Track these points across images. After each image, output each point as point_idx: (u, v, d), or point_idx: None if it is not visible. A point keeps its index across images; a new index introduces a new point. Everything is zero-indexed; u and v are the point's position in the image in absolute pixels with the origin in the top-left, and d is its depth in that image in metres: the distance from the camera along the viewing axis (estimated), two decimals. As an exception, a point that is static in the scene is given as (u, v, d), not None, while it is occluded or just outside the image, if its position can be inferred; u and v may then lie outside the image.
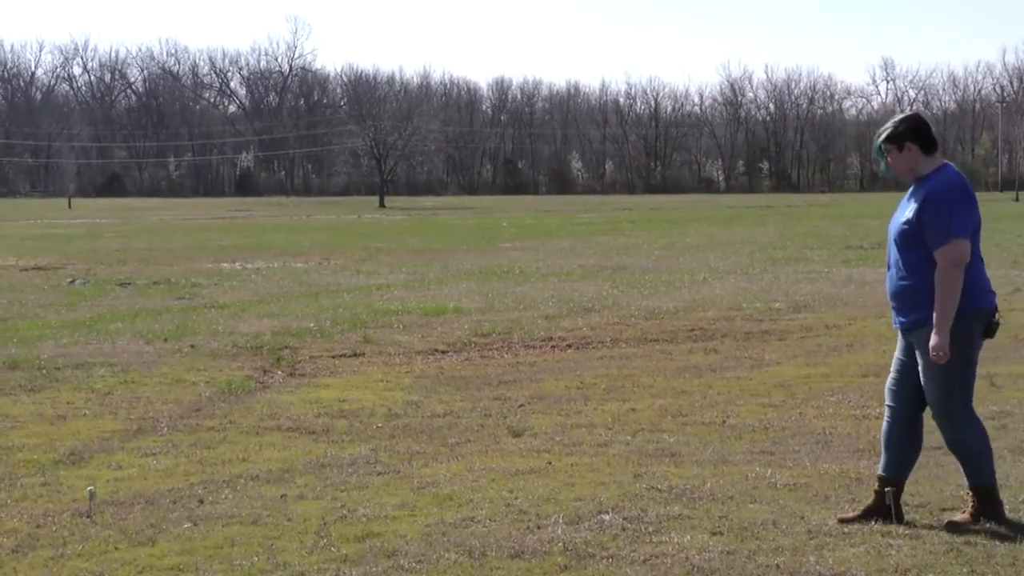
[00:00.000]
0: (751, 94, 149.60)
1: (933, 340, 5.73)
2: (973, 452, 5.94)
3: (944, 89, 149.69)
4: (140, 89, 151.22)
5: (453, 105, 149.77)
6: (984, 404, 8.94)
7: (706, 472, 7.11)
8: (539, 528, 6.00)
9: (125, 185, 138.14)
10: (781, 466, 7.23)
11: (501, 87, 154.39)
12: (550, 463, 7.45)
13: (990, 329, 5.91)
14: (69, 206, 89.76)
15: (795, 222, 48.91)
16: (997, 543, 5.62)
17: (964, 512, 5.95)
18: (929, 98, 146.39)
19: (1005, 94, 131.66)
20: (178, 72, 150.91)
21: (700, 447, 7.86)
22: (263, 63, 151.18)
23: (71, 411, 9.47)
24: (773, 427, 8.49)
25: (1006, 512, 5.98)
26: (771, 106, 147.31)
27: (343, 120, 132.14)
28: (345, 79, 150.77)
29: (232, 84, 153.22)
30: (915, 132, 5.95)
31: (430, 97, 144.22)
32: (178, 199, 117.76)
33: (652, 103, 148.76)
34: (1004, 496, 6.31)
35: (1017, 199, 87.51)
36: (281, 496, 6.75)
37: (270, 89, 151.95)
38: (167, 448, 8.07)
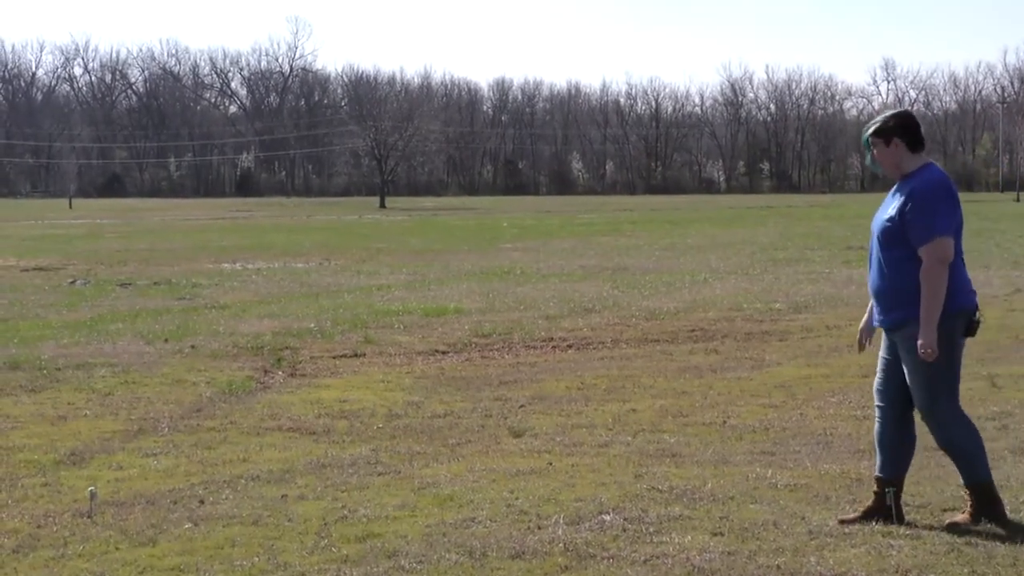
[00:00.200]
0: (752, 94, 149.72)
1: (921, 338, 5.73)
2: (963, 450, 5.94)
3: (945, 89, 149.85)
4: (141, 89, 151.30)
5: (454, 106, 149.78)
6: (985, 405, 8.97)
7: (707, 473, 7.11)
8: (540, 528, 6.00)
9: (126, 185, 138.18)
10: (782, 467, 7.23)
11: (502, 87, 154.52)
12: (551, 464, 7.45)
13: (971, 328, 5.91)
14: (70, 206, 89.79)
15: (796, 223, 48.91)
16: (998, 543, 5.62)
17: (964, 512, 5.96)
18: (930, 98, 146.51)
19: (1006, 95, 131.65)
20: (179, 72, 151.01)
21: (701, 448, 7.86)
22: (264, 63, 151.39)
23: (72, 411, 9.47)
24: (774, 428, 8.49)
25: (1006, 511, 5.98)
26: (772, 106, 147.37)
27: (344, 121, 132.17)
28: (346, 79, 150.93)
29: (233, 84, 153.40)
30: (904, 128, 5.96)
31: (431, 97, 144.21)
32: (179, 199, 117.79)
33: (653, 103, 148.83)
34: (1005, 497, 6.30)
35: (1018, 199, 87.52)
36: (282, 496, 6.75)
37: (271, 89, 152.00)
38: (168, 448, 8.07)
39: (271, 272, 24.91)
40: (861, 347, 6.34)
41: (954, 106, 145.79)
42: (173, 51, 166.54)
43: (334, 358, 12.36)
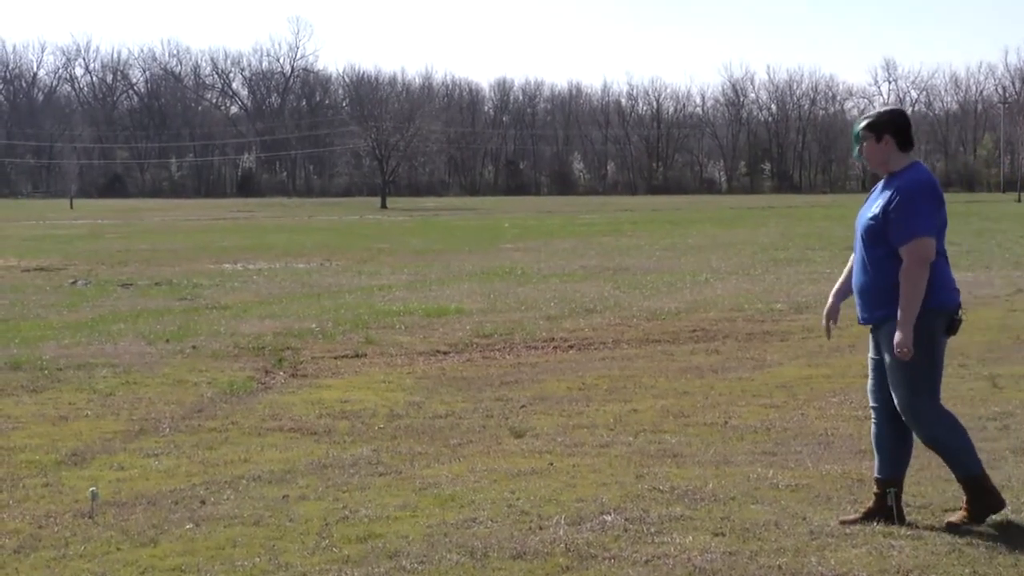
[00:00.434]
0: (753, 95, 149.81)
1: (897, 336, 5.74)
2: (948, 446, 5.93)
3: (946, 90, 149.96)
4: (142, 90, 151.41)
5: (455, 106, 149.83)
6: (986, 405, 8.97)
7: (708, 473, 7.11)
8: (541, 529, 6.00)
9: (127, 186, 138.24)
10: (783, 467, 7.23)
11: (503, 88, 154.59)
12: (552, 464, 7.45)
13: (953, 326, 5.90)
14: (71, 207, 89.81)
15: (797, 223, 48.92)
16: (1000, 544, 5.61)
17: (961, 509, 5.95)
18: (931, 99, 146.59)
19: (1007, 95, 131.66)
20: (180, 73, 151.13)
21: (702, 448, 7.86)
22: (265, 64, 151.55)
23: (73, 412, 9.47)
24: (775, 428, 8.49)
25: (1005, 502, 5.96)
26: (773, 107, 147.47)
27: (345, 121, 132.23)
28: (347, 80, 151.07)
29: (234, 85, 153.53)
30: (895, 126, 5.96)
31: (432, 98, 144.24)
32: (180, 200, 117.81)
33: (654, 104, 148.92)
34: (1007, 497, 6.29)
35: (1019, 200, 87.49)
36: (283, 497, 6.75)
37: (272, 90, 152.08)
38: (169, 449, 8.07)
39: (272, 272, 24.91)
40: (829, 333, 6.32)
41: (955, 106, 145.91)
42: (174, 51, 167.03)
43: (335, 358, 12.36)
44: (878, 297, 5.89)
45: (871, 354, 6.10)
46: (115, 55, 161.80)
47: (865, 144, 5.97)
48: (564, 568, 5.42)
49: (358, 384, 10.78)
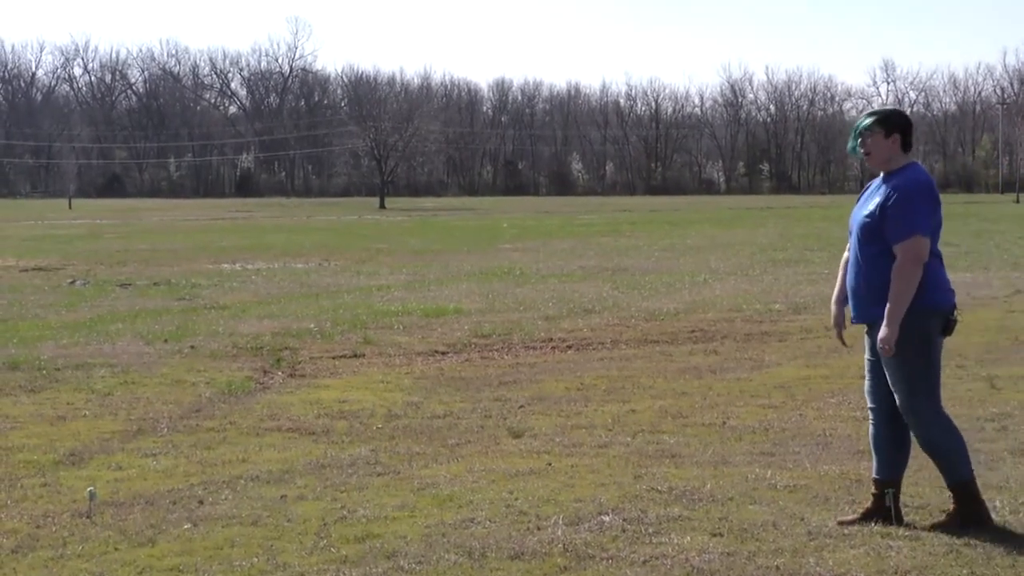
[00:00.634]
0: (752, 95, 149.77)
1: (882, 332, 5.75)
2: (943, 450, 5.92)
3: (945, 91, 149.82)
4: (141, 90, 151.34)
5: (454, 106, 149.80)
6: (984, 406, 8.98)
7: (706, 473, 7.11)
8: (539, 529, 6.00)
9: (125, 186, 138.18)
10: (781, 467, 7.23)
11: (501, 88, 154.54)
12: (550, 464, 7.45)
13: (948, 327, 5.90)
14: (69, 207, 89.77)
15: (795, 223, 48.94)
16: (997, 545, 5.62)
17: (945, 515, 5.95)
18: (930, 99, 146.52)
19: (1006, 96, 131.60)
20: (179, 73, 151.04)
21: (700, 448, 7.86)
22: (264, 64, 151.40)
23: (71, 412, 9.47)
24: (773, 428, 8.49)
25: (992, 513, 5.97)
26: (772, 107, 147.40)
27: (343, 121, 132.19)
28: (345, 80, 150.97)
29: (233, 85, 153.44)
30: (903, 125, 6.01)
31: (431, 98, 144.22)
32: (178, 200, 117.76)
33: (652, 104, 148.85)
34: (1004, 498, 6.32)
35: (1018, 201, 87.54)
36: (281, 497, 6.75)
37: (271, 90, 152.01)
38: (167, 449, 8.07)
39: (271, 272, 24.91)
40: (843, 339, 6.31)
41: (954, 107, 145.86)
42: (173, 51, 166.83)
43: (333, 358, 12.36)
44: (872, 296, 5.89)
45: (868, 355, 6.10)
46: (114, 55, 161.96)
47: (872, 139, 5.95)
48: (562, 568, 5.42)
49: (356, 384, 10.78)
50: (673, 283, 20.88)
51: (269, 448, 8.07)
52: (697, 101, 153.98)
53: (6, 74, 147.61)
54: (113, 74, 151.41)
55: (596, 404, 9.59)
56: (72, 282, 22.45)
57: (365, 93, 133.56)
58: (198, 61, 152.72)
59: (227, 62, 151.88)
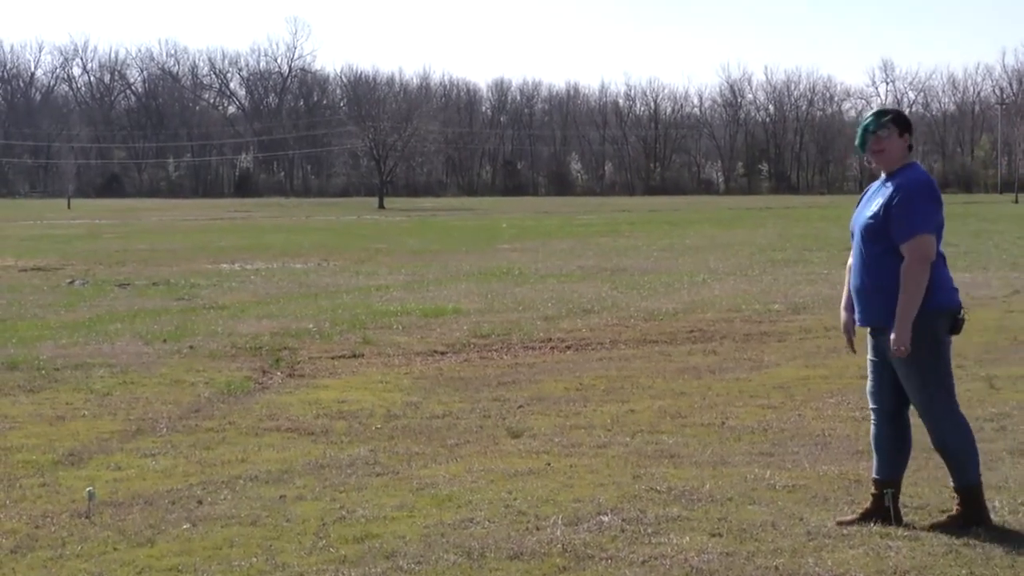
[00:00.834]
0: (750, 95, 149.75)
1: (895, 335, 5.73)
2: (956, 451, 5.93)
3: (943, 91, 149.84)
4: (139, 90, 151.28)
5: (452, 106, 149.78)
6: (983, 406, 8.98)
7: (705, 473, 7.11)
8: (538, 529, 6.00)
9: (124, 186, 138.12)
10: (780, 468, 7.24)
11: (500, 88, 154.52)
12: (549, 464, 7.45)
13: (956, 326, 5.90)
14: (68, 207, 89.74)
15: (794, 223, 48.95)
16: (996, 545, 5.62)
17: (949, 514, 5.95)
18: (928, 100, 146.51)
19: (1004, 96, 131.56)
20: (177, 73, 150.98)
21: (699, 448, 7.86)
22: (263, 64, 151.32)
23: (70, 412, 9.47)
24: (772, 429, 8.50)
25: (991, 513, 5.97)
26: (770, 108, 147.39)
27: (342, 121, 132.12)
28: (344, 80, 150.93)
29: (231, 85, 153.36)
30: (911, 127, 6.02)
31: (429, 98, 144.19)
32: (177, 200, 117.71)
33: (651, 104, 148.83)
34: (1003, 498, 6.33)
35: (1016, 201, 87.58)
36: (280, 497, 6.75)
37: (269, 90, 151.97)
38: (166, 449, 8.07)
39: (270, 273, 24.91)
40: (853, 346, 6.29)
41: (952, 107, 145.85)
42: (172, 51, 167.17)
43: (332, 359, 12.36)
44: (878, 297, 5.88)
45: (870, 356, 6.10)
46: (113, 55, 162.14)
47: (886, 138, 5.94)
48: (561, 568, 5.42)
49: (355, 384, 10.78)
50: (672, 283, 20.88)
51: (268, 448, 8.07)
52: (696, 101, 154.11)
53: (5, 74, 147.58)
54: (112, 74, 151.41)
55: (595, 404, 9.59)
56: (71, 282, 22.44)
57: (364, 93, 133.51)
58: (197, 61, 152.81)
59: (226, 62, 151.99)
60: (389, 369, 11.71)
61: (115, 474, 7.38)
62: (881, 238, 5.86)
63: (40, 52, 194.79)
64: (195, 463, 7.64)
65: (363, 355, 12.60)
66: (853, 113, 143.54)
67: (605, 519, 6.14)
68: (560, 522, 6.10)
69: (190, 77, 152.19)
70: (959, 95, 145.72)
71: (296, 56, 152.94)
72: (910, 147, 6.00)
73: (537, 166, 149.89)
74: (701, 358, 12.15)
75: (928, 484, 6.66)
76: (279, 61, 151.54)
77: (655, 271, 23.97)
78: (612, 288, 20.03)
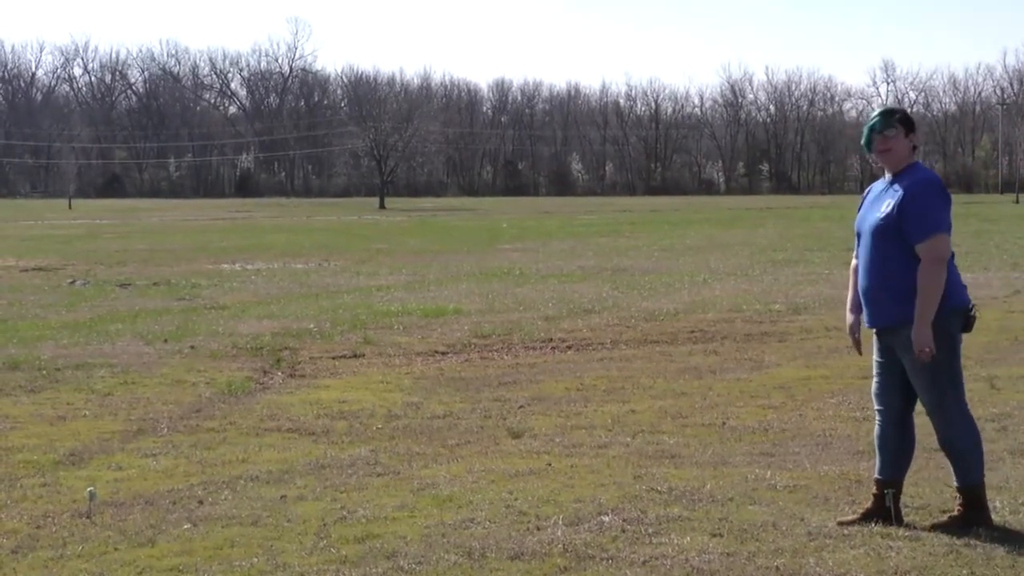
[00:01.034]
0: (751, 96, 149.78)
1: (916, 338, 5.71)
2: (962, 450, 5.92)
3: (944, 91, 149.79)
4: (140, 90, 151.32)
5: (453, 106, 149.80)
6: (984, 406, 8.97)
7: (706, 474, 7.11)
8: (539, 529, 6.00)
9: (125, 186, 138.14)
10: (781, 468, 7.23)
11: (501, 88, 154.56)
12: (550, 464, 7.45)
13: (968, 323, 5.90)
14: (69, 207, 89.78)
15: (795, 224, 48.94)
16: (997, 545, 5.62)
17: (951, 513, 5.95)
18: (929, 100, 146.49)
19: (1005, 96, 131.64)
20: (178, 73, 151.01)
21: (700, 449, 7.86)
22: (263, 64, 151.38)
23: (71, 412, 9.47)
24: (773, 429, 8.50)
25: (992, 513, 5.97)
26: (771, 108, 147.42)
27: (343, 121, 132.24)
28: (345, 80, 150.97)
29: (232, 85, 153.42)
30: (915, 127, 6.02)
31: (430, 98, 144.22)
32: (178, 200, 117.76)
33: (652, 105, 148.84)
34: (1004, 498, 6.33)
35: (1017, 201, 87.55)
36: (281, 497, 6.75)
37: (270, 90, 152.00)
38: (167, 449, 8.07)
39: (270, 273, 24.91)
40: (859, 347, 6.26)
41: (953, 107, 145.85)
42: (173, 51, 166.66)
43: (333, 359, 12.36)
44: (888, 297, 5.86)
45: (877, 357, 6.07)
46: (113, 55, 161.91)
47: (893, 137, 5.93)
48: (562, 569, 5.42)
49: (356, 384, 10.78)
50: (673, 283, 20.88)
51: (269, 448, 8.07)
52: (697, 101, 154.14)
53: (6, 74, 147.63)
54: (113, 74, 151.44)
55: (596, 404, 9.59)
56: (72, 282, 22.45)
57: (365, 93, 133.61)
58: (198, 61, 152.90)
59: (227, 62, 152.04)
60: (390, 369, 11.71)
61: (116, 474, 7.38)
62: (892, 238, 5.83)
63: (41, 52, 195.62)
64: (196, 463, 7.64)
65: (364, 355, 12.60)
66: (854, 113, 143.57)
67: (606, 519, 6.14)
68: (561, 522, 6.10)
69: (191, 77, 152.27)
70: (960, 95, 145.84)
71: (297, 56, 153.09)
72: (915, 147, 6.00)
73: (538, 166, 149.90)
74: (702, 358, 12.15)
75: (929, 484, 6.66)
76: (280, 61, 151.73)
77: (656, 271, 23.97)
78: (613, 288, 20.03)
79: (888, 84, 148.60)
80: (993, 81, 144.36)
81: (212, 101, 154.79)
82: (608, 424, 8.75)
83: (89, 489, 6.59)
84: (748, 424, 8.67)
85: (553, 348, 13.09)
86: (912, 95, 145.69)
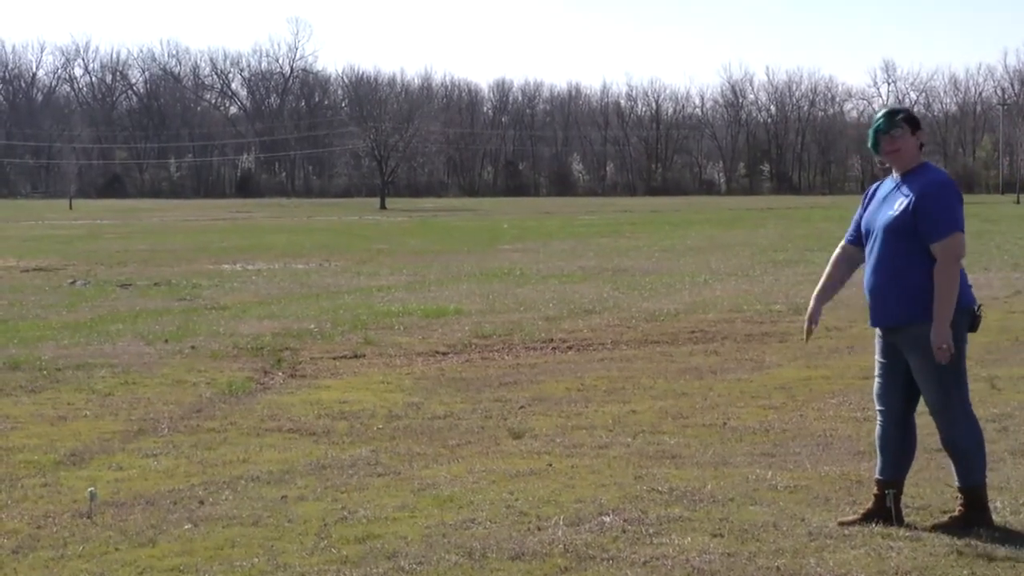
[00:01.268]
0: (752, 96, 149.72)
1: (936, 337, 5.69)
2: (966, 450, 5.91)
3: (945, 91, 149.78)
4: (141, 90, 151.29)
5: (454, 107, 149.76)
6: (985, 406, 8.96)
7: (707, 474, 7.11)
8: (539, 530, 6.00)
9: (126, 186, 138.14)
10: (782, 468, 7.23)
11: (502, 89, 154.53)
12: (550, 465, 7.45)
13: (975, 322, 5.90)
14: (70, 207, 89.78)
15: (796, 224, 48.94)
16: (998, 545, 5.62)
17: (951, 514, 5.95)
18: (930, 100, 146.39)
19: (1006, 96, 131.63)
20: (179, 73, 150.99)
21: (701, 449, 7.86)
22: (264, 64, 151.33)
23: (72, 412, 9.47)
24: (774, 429, 8.50)
25: (992, 513, 5.97)
26: (772, 108, 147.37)
27: (344, 122, 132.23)
28: (346, 80, 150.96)
29: (233, 85, 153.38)
30: (920, 126, 6.01)
31: (431, 99, 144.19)
32: (179, 200, 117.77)
33: (653, 105, 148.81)
34: (1004, 498, 6.33)
35: (1018, 201, 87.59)
36: (282, 497, 6.75)
37: (271, 90, 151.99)
38: (168, 449, 8.07)
39: (271, 273, 24.91)
40: (809, 336, 6.32)
41: (954, 108, 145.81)
42: (173, 52, 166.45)
43: (334, 359, 12.36)
44: (898, 296, 5.84)
45: (879, 358, 6.07)
46: (114, 55, 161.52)
47: (899, 137, 5.90)
48: (562, 569, 5.42)
49: (357, 385, 10.78)
50: (673, 284, 20.87)
51: (270, 448, 8.07)
52: (698, 102, 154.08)
53: (7, 74, 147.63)
54: (114, 74, 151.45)
55: (596, 405, 9.59)
56: (72, 282, 22.45)
57: (366, 94, 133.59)
58: (199, 61, 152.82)
59: (228, 62, 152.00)
60: (390, 369, 11.71)
61: (117, 474, 7.38)
62: (904, 237, 5.80)
63: (42, 52, 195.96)
64: (197, 463, 7.64)
65: (364, 355, 12.60)
66: (855, 114, 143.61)
67: (607, 520, 6.14)
68: (562, 523, 6.10)
69: (192, 77, 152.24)
70: (961, 95, 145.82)
71: (298, 56, 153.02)
72: (921, 145, 5.98)
73: (538, 167, 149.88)
74: (702, 359, 12.15)
75: (930, 484, 6.66)
76: (281, 61, 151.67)
77: (656, 272, 23.97)
78: (613, 289, 20.03)
79: (889, 84, 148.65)
80: (994, 81, 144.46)
81: (213, 101, 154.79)
82: (609, 424, 8.75)
83: (90, 489, 6.59)
84: (749, 424, 8.67)
85: (554, 348, 13.09)
86: (913, 95, 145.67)
